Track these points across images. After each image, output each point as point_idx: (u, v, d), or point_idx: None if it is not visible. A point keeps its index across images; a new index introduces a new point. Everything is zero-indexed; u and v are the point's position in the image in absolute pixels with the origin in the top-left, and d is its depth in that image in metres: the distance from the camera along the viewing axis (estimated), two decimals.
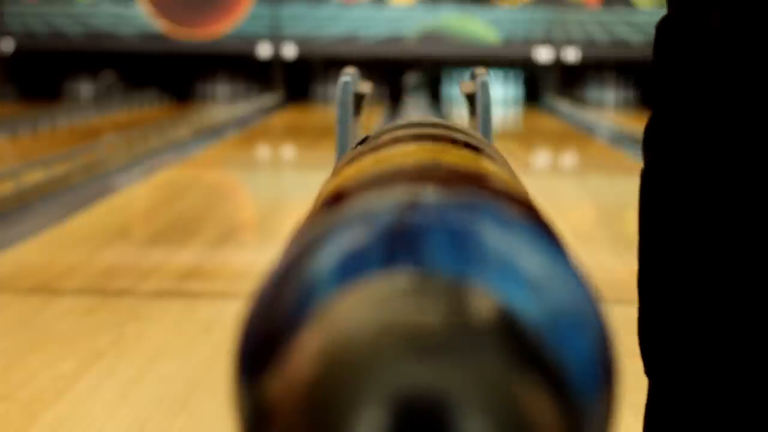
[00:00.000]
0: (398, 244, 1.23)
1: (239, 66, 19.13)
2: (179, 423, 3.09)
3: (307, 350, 1.07)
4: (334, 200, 1.52)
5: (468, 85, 3.34)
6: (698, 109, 1.96)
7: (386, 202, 1.31)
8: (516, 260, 1.25)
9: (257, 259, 5.35)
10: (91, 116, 15.07)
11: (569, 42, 18.69)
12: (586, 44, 18.71)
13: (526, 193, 1.81)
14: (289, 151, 12.26)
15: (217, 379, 3.40)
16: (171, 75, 19.06)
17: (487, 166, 1.72)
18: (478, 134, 2.24)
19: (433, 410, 0.99)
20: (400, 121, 2.13)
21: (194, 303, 4.53)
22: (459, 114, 15.26)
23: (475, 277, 1.23)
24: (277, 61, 18.82)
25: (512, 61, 18.93)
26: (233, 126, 13.99)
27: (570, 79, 18.95)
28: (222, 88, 19.16)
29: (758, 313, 1.94)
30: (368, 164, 1.68)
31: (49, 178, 7.83)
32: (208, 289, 4.80)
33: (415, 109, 15.89)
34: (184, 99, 18.58)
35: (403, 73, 19.27)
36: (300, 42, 18.78)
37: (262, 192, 8.65)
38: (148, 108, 17.02)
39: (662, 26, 2.05)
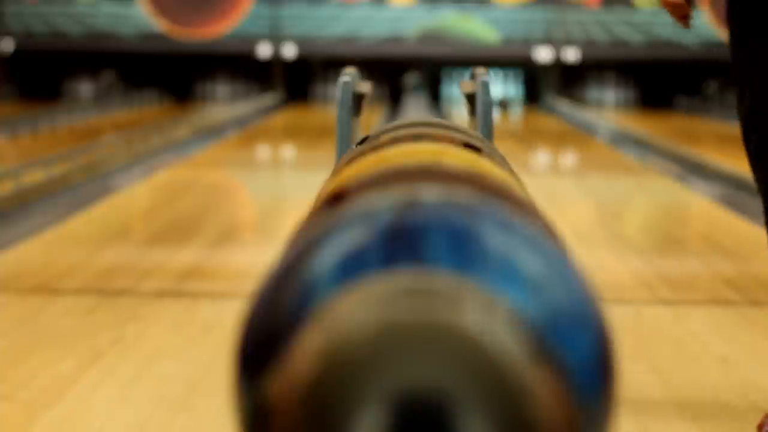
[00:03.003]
0: (398, 243, 1.23)
1: (239, 66, 19.13)
2: (179, 423, 3.09)
3: (307, 350, 1.07)
4: (334, 200, 1.52)
5: (468, 85, 3.34)
6: None
7: (386, 202, 1.31)
8: (516, 260, 1.25)
9: (257, 259, 5.35)
10: (91, 116, 15.06)
11: (569, 42, 18.69)
12: (586, 44, 18.71)
13: (526, 193, 1.81)
14: (289, 151, 12.26)
15: (217, 379, 3.40)
16: (171, 75, 19.06)
17: (487, 166, 1.72)
18: (478, 134, 2.24)
19: (432, 409, 0.99)
20: (400, 121, 2.13)
21: (194, 303, 4.53)
22: (459, 114, 15.25)
23: (475, 277, 1.23)
24: (277, 61, 18.82)
25: (512, 61, 18.93)
26: (233, 126, 13.99)
27: (570, 79, 18.95)
28: (222, 88, 19.16)
29: None
30: (368, 164, 1.68)
31: (49, 178, 7.83)
32: (208, 289, 4.80)
33: (415, 109, 15.88)
34: (184, 99, 18.57)
35: (403, 73, 19.27)
36: (300, 42, 18.78)
37: (262, 192, 8.65)
38: (148, 108, 17.02)
39: None
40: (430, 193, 1.35)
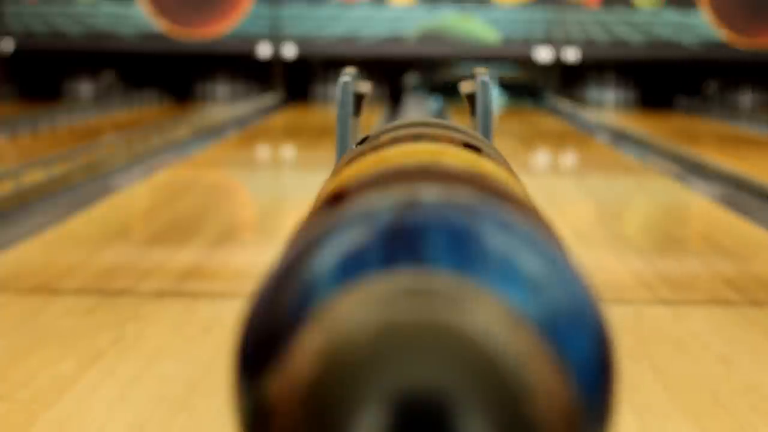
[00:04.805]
0: (398, 243, 1.23)
1: (239, 66, 19.13)
2: (179, 423, 3.09)
3: (307, 350, 1.07)
4: (334, 200, 1.52)
5: (468, 85, 3.34)
6: None
7: (386, 202, 1.31)
8: (516, 260, 1.25)
9: (257, 259, 5.35)
10: (91, 116, 15.06)
11: (569, 42, 18.69)
12: (586, 44, 18.71)
13: (526, 193, 1.81)
14: (289, 151, 12.26)
15: (217, 379, 3.40)
16: (171, 75, 19.06)
17: (487, 166, 1.72)
18: (478, 134, 2.24)
19: (432, 410, 0.99)
20: (400, 121, 2.13)
21: (194, 303, 4.53)
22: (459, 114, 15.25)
23: (475, 277, 1.23)
24: (277, 61, 18.82)
25: (512, 61, 18.92)
26: (233, 126, 13.99)
27: (570, 79, 18.95)
28: (222, 88, 19.16)
29: None
30: (368, 164, 1.68)
31: (49, 178, 7.83)
32: (208, 289, 4.80)
33: (415, 109, 15.88)
34: (184, 99, 18.58)
35: (403, 73, 19.27)
36: (300, 42, 18.78)
37: (262, 192, 8.65)
38: (148, 108, 17.02)
39: None
40: (430, 193, 1.35)
